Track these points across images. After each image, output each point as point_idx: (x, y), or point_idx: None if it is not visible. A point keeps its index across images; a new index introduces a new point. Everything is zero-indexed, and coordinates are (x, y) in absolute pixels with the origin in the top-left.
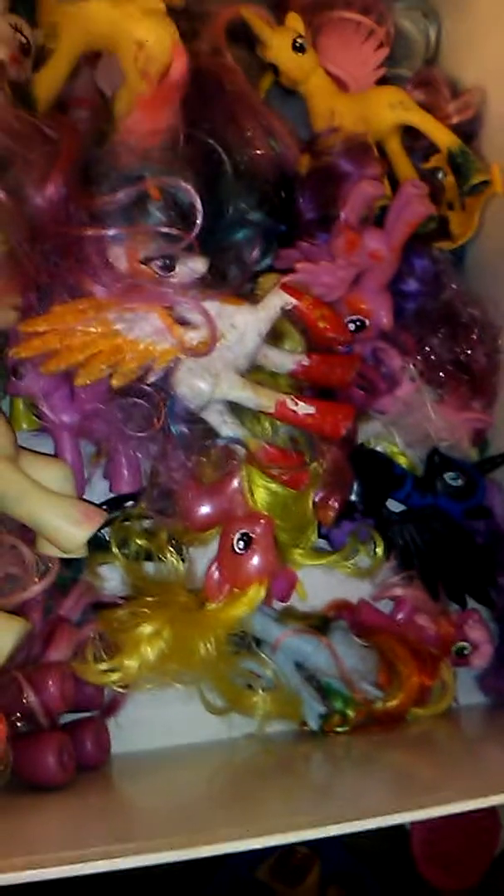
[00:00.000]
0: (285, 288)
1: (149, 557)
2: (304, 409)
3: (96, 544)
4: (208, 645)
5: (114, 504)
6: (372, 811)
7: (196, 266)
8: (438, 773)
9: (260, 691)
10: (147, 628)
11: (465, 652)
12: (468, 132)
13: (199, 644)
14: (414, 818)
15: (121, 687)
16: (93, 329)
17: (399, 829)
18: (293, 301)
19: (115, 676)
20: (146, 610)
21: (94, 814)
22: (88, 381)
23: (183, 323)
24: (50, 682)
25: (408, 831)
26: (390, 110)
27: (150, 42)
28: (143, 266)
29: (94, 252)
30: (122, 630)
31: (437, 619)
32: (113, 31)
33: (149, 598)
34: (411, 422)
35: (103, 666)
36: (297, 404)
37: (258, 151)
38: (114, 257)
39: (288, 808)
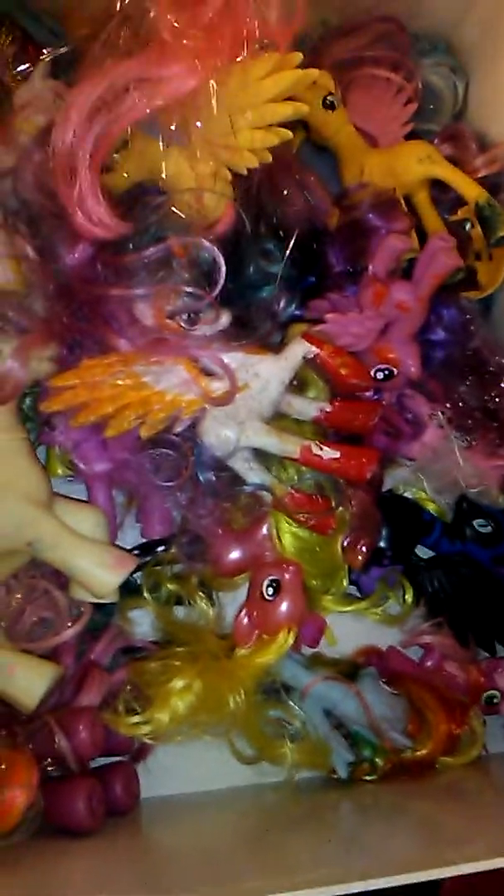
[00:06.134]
0: (307, 337)
1: (179, 602)
2: (328, 453)
3: (128, 589)
4: (238, 697)
5: (145, 549)
6: (399, 866)
7: (220, 319)
8: (468, 825)
9: (288, 742)
10: (178, 682)
11: (495, 700)
12: (495, 185)
13: (228, 695)
14: (441, 875)
15: (151, 739)
16: (121, 382)
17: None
18: (314, 349)
19: (145, 729)
20: (177, 662)
21: (123, 861)
22: (118, 433)
23: (209, 373)
24: (81, 727)
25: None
26: (418, 164)
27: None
28: (168, 321)
29: (121, 309)
30: (153, 683)
31: (466, 667)
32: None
33: (179, 649)
34: (440, 468)
35: (134, 718)
36: (321, 449)
37: (294, 207)
38: (140, 313)
39: (315, 860)
